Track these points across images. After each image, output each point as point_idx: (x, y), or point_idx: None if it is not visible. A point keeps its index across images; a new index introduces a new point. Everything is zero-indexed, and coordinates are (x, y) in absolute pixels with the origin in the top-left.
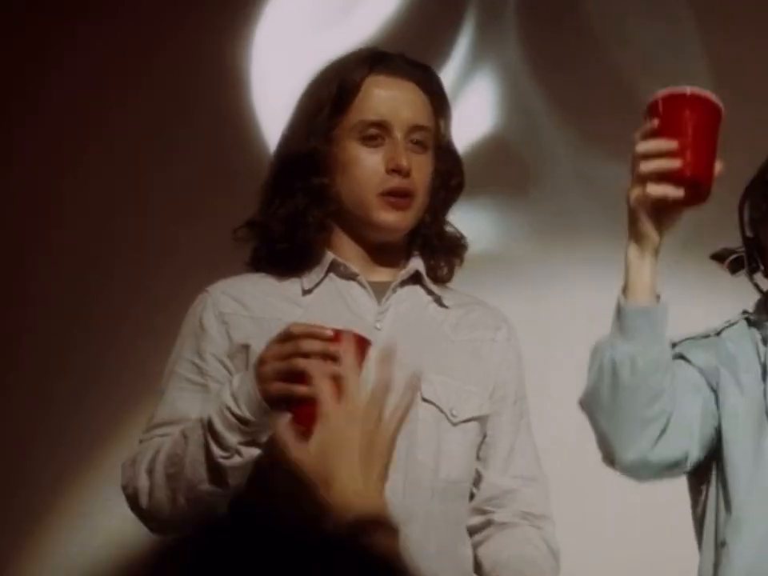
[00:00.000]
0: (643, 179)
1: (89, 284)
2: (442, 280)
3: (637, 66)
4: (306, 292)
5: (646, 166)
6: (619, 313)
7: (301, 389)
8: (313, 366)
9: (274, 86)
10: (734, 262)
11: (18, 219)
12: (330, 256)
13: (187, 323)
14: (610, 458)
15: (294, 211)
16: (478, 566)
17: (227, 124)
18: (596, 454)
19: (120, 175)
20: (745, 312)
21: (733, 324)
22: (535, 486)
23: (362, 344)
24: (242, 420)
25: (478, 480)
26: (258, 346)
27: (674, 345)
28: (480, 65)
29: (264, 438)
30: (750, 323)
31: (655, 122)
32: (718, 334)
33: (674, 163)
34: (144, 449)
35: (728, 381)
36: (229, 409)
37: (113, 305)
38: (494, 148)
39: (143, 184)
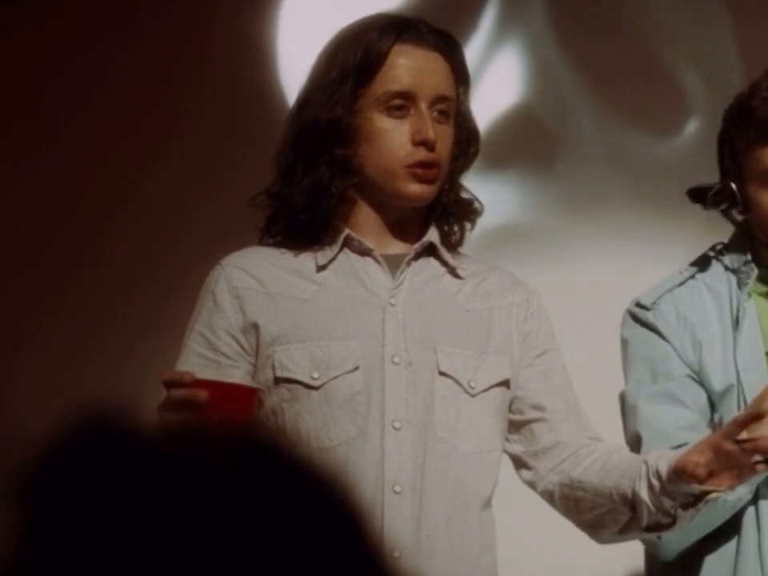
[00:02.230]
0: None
1: (100, 263)
2: (454, 246)
3: (664, 38)
4: (320, 268)
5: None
6: None
7: None
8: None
9: (300, 57)
10: (715, 196)
11: (21, 205)
12: (344, 231)
13: (201, 297)
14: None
15: (318, 183)
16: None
17: (251, 96)
18: (619, 430)
19: (136, 151)
20: (714, 250)
21: (706, 268)
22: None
23: (242, 393)
24: None
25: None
26: (268, 325)
27: (653, 303)
28: (507, 36)
29: None
30: (726, 268)
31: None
32: (693, 276)
33: None
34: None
35: (710, 355)
36: None
37: (124, 284)
38: (521, 119)
39: (161, 160)
